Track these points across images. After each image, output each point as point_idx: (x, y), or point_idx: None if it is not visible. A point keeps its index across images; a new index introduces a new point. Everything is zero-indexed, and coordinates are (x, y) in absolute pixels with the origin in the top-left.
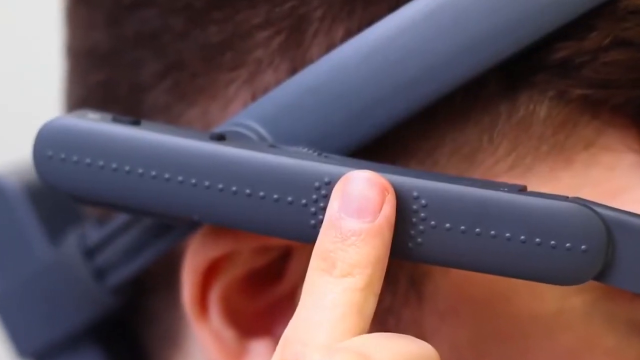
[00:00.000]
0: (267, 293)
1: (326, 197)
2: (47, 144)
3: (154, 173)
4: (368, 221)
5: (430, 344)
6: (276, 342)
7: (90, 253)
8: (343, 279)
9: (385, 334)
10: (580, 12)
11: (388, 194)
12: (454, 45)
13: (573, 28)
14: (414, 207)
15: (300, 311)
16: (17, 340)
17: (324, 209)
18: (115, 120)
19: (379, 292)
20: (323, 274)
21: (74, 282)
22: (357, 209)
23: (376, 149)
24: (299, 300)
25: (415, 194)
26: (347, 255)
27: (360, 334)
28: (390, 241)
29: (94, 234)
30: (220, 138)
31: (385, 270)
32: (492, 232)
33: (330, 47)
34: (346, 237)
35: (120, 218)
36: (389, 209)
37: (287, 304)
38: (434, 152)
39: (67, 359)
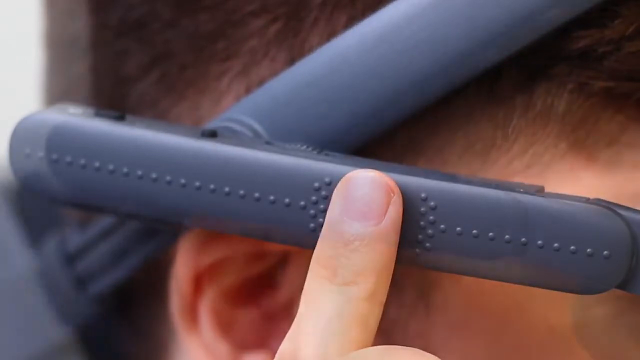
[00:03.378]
0: (262, 303)
1: (326, 199)
2: (24, 141)
3: (139, 173)
4: (372, 225)
5: (440, 359)
6: (272, 356)
7: (71, 259)
8: (345, 288)
9: (390, 347)
10: None
11: (394, 195)
12: (466, 33)
13: (594, 15)
14: (422, 209)
15: (298, 323)
16: None
17: (324, 211)
18: (98, 115)
19: (384, 301)
20: (323, 282)
21: (55, 291)
22: (361, 212)
23: (381, 146)
24: (297, 311)
25: (423, 195)
26: (350, 262)
27: (359, 346)
28: (397, 246)
29: (75, 239)
30: (211, 135)
31: (390, 279)
32: (507, 237)
33: (331, 35)
34: (349, 242)
35: (104, 221)
36: (395, 212)
37: (284, 315)
38: (444, 149)
39: None
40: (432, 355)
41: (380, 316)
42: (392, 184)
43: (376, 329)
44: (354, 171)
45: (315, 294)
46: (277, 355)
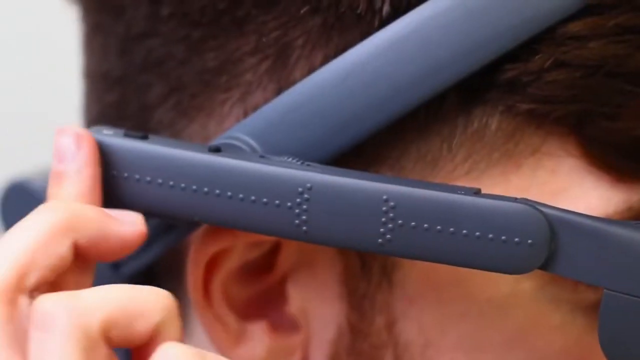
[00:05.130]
0: (260, 282)
1: (308, 201)
2: None
3: (160, 181)
4: (69, 163)
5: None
6: (269, 324)
7: None
8: (40, 214)
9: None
10: (525, 38)
11: (84, 141)
12: (417, 68)
13: (519, 52)
14: (384, 208)
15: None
16: None
17: (307, 210)
18: (126, 135)
19: (83, 230)
20: (39, 212)
21: (95, 273)
22: (61, 156)
23: (352, 157)
24: (288, 288)
25: (385, 197)
26: (57, 194)
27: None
28: (95, 177)
29: None
30: (216, 150)
31: (96, 202)
32: (451, 229)
33: (311, 70)
34: (58, 180)
35: None
36: (84, 152)
37: (277, 291)
38: (402, 159)
39: None
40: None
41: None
42: (83, 132)
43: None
44: (65, 127)
45: (27, 217)
46: None
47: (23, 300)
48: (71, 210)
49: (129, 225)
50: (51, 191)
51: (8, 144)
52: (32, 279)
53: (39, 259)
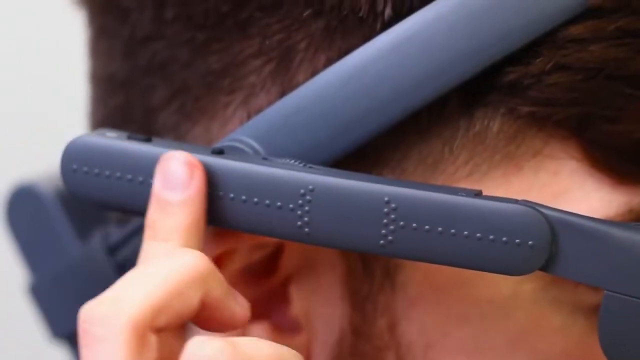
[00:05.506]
0: (263, 283)
1: (311, 202)
2: (72, 158)
3: None
4: (180, 193)
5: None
6: (272, 325)
7: (112, 250)
8: (163, 243)
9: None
10: (526, 41)
11: (197, 170)
12: (419, 71)
13: (521, 55)
14: (385, 210)
15: (128, 272)
16: (52, 324)
17: (309, 212)
18: (130, 137)
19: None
20: (150, 241)
21: (100, 275)
22: (172, 184)
23: (355, 160)
24: (291, 290)
25: (386, 198)
26: (165, 223)
27: None
28: (204, 208)
29: (115, 234)
30: (219, 152)
31: (201, 235)
32: (452, 231)
33: (314, 73)
34: (164, 207)
35: (137, 220)
36: (197, 183)
37: (280, 293)
38: (403, 161)
39: None
40: None
41: None
42: (196, 161)
43: None
44: (168, 152)
45: (144, 250)
46: (105, 295)
47: (151, 337)
48: (210, 265)
49: (242, 306)
50: (157, 218)
51: (8, 144)
52: (162, 320)
53: (174, 303)
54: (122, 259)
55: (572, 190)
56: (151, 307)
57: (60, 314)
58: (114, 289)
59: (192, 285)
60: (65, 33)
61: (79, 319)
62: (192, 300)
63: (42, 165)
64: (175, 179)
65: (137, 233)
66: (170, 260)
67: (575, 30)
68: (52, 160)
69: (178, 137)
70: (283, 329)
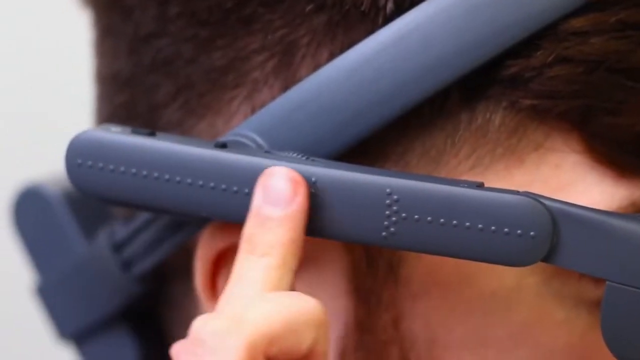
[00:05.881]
0: None
1: (313, 195)
2: (77, 153)
3: (167, 177)
4: (282, 209)
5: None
6: None
7: (118, 247)
8: (262, 259)
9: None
10: (527, 34)
11: (300, 186)
12: (421, 64)
13: (522, 48)
14: (387, 201)
15: (228, 287)
16: (58, 323)
17: (311, 204)
18: (134, 132)
19: (296, 269)
20: (247, 255)
21: (105, 273)
22: (274, 199)
23: (357, 152)
24: (295, 284)
25: (388, 190)
26: (264, 238)
27: None
28: (304, 225)
29: (121, 231)
30: (223, 146)
31: (300, 251)
32: (454, 222)
33: (316, 67)
34: (264, 223)
35: (142, 216)
36: (300, 199)
37: None
38: (406, 154)
39: (101, 340)
40: (310, 297)
41: (292, 280)
42: (300, 177)
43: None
44: (271, 167)
45: (242, 264)
46: (216, 309)
47: None
48: (327, 319)
49: None
50: (256, 232)
51: (8, 144)
52: (274, 351)
53: (289, 338)
54: (128, 256)
55: (574, 183)
56: (269, 334)
57: (66, 314)
58: (232, 305)
59: (310, 327)
60: (65, 33)
61: (193, 329)
62: (305, 343)
63: (42, 165)
64: (278, 195)
65: (142, 229)
66: (293, 295)
67: (577, 22)
68: (52, 160)
69: (183, 132)
70: None
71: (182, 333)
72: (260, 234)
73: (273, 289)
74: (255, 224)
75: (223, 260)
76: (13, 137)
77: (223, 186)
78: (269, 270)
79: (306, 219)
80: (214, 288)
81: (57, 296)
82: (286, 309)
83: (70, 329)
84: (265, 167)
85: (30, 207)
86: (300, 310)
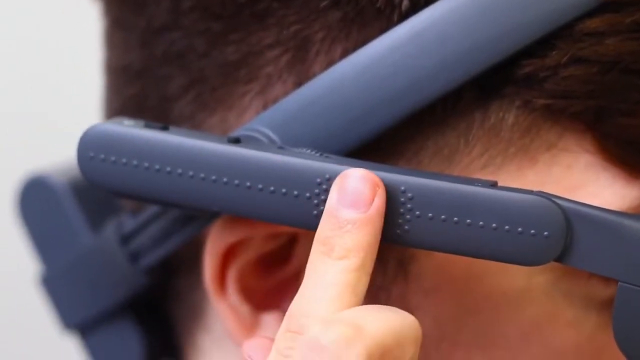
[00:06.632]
0: (276, 273)
1: (327, 191)
2: (89, 146)
3: (179, 171)
4: (361, 212)
5: (416, 318)
6: (284, 315)
7: (125, 239)
8: (340, 261)
9: (374, 306)
10: (542, 33)
11: (379, 188)
12: (435, 62)
13: (537, 47)
14: (402, 199)
15: (303, 289)
16: (63, 314)
17: (325, 201)
18: (147, 126)
19: (371, 272)
20: (323, 257)
21: (112, 265)
22: (352, 201)
23: (370, 150)
24: (303, 279)
25: (402, 188)
26: (343, 241)
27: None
28: (381, 229)
29: (128, 223)
30: (236, 141)
31: (376, 254)
32: (468, 221)
33: (330, 63)
34: (343, 225)
35: (151, 209)
36: (379, 202)
37: (293, 283)
38: (419, 153)
39: (106, 331)
40: (406, 313)
41: (367, 284)
42: (377, 179)
43: (364, 294)
44: (348, 169)
45: (317, 266)
46: (286, 315)
47: None
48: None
49: None
50: (333, 235)
51: (8, 144)
52: None
53: (395, 351)
54: (136, 248)
55: (586, 184)
56: (383, 345)
57: (72, 305)
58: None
59: (412, 342)
60: (65, 33)
61: (311, 335)
62: (406, 357)
63: (42, 165)
64: (357, 197)
65: (151, 222)
66: (397, 310)
67: (592, 23)
68: (52, 160)
69: (194, 126)
70: None
71: (187, 326)
72: (338, 236)
73: (352, 293)
74: (333, 226)
75: (233, 255)
76: (13, 137)
77: (236, 181)
78: (348, 273)
79: (382, 222)
80: (223, 282)
81: (62, 287)
82: (397, 323)
83: (75, 320)
84: (278, 163)
85: (35, 197)
86: (406, 325)
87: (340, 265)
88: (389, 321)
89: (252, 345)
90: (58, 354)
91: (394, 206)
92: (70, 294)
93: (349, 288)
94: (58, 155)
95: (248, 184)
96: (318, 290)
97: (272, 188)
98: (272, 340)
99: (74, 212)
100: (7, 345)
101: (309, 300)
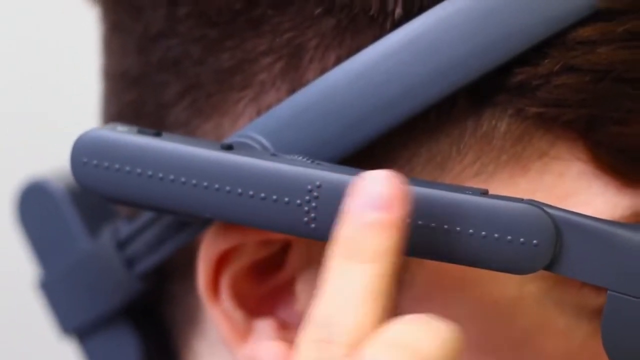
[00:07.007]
0: (270, 280)
1: (317, 198)
2: (82, 152)
3: (172, 177)
4: (388, 214)
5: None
6: (277, 322)
7: (121, 245)
8: (367, 265)
9: (418, 320)
10: (535, 42)
11: (405, 190)
12: (428, 69)
13: (529, 55)
14: None
15: (326, 294)
16: (61, 319)
17: (316, 208)
18: (140, 132)
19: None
20: (346, 260)
21: (109, 270)
22: (378, 203)
23: (363, 157)
24: (297, 287)
25: None
26: (370, 243)
27: (382, 316)
28: (405, 233)
29: (124, 229)
30: (228, 148)
31: (400, 259)
32: (458, 229)
33: (323, 71)
34: (368, 227)
35: (147, 215)
36: (405, 204)
37: (286, 289)
38: (412, 160)
39: (103, 336)
40: (445, 320)
41: (393, 290)
42: (403, 181)
43: (392, 301)
44: (375, 171)
45: (340, 270)
46: (308, 322)
47: None
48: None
49: None
50: (356, 237)
51: (8, 144)
52: None
53: None
54: (131, 253)
55: (578, 192)
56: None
57: (69, 309)
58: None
59: (458, 355)
60: (65, 33)
61: None
62: None
63: (42, 165)
64: (382, 199)
65: (146, 228)
66: (446, 322)
67: (584, 32)
68: (52, 160)
69: (189, 132)
70: (289, 325)
71: (183, 331)
72: (362, 238)
73: (382, 300)
74: (355, 228)
75: (226, 261)
76: (13, 137)
77: (228, 188)
78: (376, 278)
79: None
80: (216, 288)
81: (60, 291)
82: (447, 335)
83: (73, 324)
84: (269, 170)
85: (34, 202)
86: (455, 338)
87: (367, 269)
88: (440, 336)
89: (262, 348)
90: (56, 358)
91: None
92: (68, 298)
93: (379, 295)
94: (58, 156)
95: (239, 190)
96: (344, 296)
97: (263, 195)
98: (289, 344)
99: (72, 217)
100: (7, 348)
101: (335, 307)
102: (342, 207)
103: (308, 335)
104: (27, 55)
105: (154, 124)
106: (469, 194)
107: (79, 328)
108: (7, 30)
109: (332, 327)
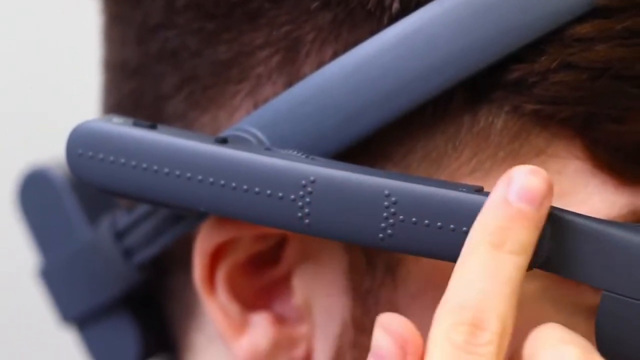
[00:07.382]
0: (266, 274)
1: (311, 194)
2: (78, 143)
3: (166, 170)
4: (538, 209)
5: None
6: (273, 316)
7: (120, 235)
8: (515, 256)
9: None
10: (532, 38)
11: (552, 189)
12: (425, 65)
13: (526, 52)
14: (385, 203)
15: (471, 279)
16: (61, 308)
17: (310, 203)
18: (135, 124)
19: None
20: (492, 248)
21: (108, 260)
22: (530, 197)
23: (359, 152)
24: (294, 281)
25: (386, 192)
26: (520, 235)
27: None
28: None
29: (123, 219)
30: (223, 141)
31: None
32: (452, 226)
33: (320, 64)
34: (518, 219)
35: (143, 207)
36: (550, 201)
37: (283, 284)
38: (407, 156)
39: (102, 324)
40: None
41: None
42: (551, 178)
43: None
44: (524, 166)
45: (486, 257)
46: (447, 306)
47: None
48: None
49: None
50: (508, 227)
51: (8, 144)
52: None
53: None
54: (129, 244)
55: (575, 190)
56: None
57: (69, 299)
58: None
59: None
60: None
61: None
62: None
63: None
64: (535, 194)
65: (143, 220)
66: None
67: (582, 29)
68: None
69: (186, 125)
70: (285, 320)
71: (181, 323)
72: (512, 229)
73: (518, 291)
74: (506, 217)
75: (222, 255)
76: (13, 137)
77: (222, 182)
78: (521, 270)
79: None
80: (212, 282)
81: (60, 280)
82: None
83: (73, 313)
84: (264, 164)
85: (35, 190)
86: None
87: (515, 260)
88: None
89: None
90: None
91: (377, 209)
92: (67, 287)
93: (518, 289)
94: (58, 156)
95: (233, 184)
96: (494, 284)
97: (257, 189)
98: None
99: (72, 206)
100: (7, 338)
101: (484, 293)
102: (340, 205)
103: (453, 316)
104: (27, 55)
105: (153, 116)
106: (462, 191)
107: (78, 317)
108: (7, 30)
109: (485, 314)
